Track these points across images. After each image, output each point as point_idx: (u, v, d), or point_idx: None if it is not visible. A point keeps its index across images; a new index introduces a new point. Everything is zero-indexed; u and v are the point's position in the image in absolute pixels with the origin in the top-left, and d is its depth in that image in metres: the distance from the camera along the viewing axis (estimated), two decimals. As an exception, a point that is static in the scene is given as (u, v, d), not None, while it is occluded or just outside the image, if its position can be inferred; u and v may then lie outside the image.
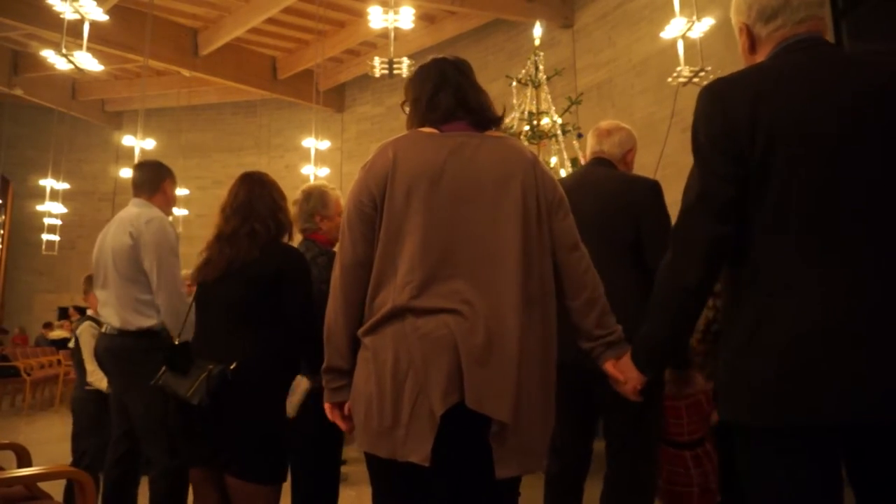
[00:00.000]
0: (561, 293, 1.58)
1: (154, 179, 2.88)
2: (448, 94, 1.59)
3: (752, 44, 1.41)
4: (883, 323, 1.17)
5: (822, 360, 1.18)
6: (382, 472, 1.49)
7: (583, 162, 5.41)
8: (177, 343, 2.11)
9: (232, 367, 1.91)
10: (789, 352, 1.20)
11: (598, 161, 2.35)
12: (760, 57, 1.39)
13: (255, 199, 2.15)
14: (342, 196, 2.50)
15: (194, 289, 2.22)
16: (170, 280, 2.64)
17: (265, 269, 2.04)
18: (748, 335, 1.27)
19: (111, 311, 2.70)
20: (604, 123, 2.43)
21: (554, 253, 1.56)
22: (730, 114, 1.28)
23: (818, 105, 1.23)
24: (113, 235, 2.75)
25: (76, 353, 3.70)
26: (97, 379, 3.33)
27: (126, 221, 2.72)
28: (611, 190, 2.20)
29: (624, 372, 1.56)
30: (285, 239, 2.22)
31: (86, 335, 3.54)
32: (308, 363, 2.18)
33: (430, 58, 1.69)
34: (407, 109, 1.67)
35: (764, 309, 1.25)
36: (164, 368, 2.05)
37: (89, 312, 3.80)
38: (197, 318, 2.19)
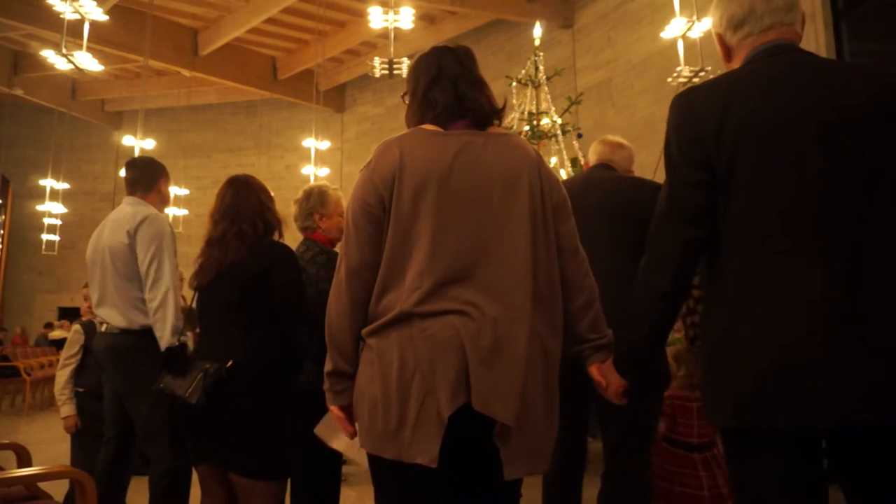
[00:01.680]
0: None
1: (149, 178, 2.86)
2: (444, 89, 1.55)
3: (727, 52, 1.46)
4: (858, 323, 1.17)
5: (799, 362, 1.18)
6: (387, 473, 1.47)
7: (583, 162, 5.44)
8: (174, 345, 2.14)
9: (228, 365, 1.94)
10: (764, 354, 1.21)
11: (602, 166, 2.39)
12: (735, 65, 1.43)
13: (241, 202, 2.18)
14: (344, 197, 2.50)
15: (184, 285, 2.26)
16: (165, 279, 2.62)
17: (254, 267, 2.07)
18: (723, 338, 1.28)
19: (112, 310, 2.69)
20: (613, 137, 2.48)
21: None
22: (698, 122, 1.31)
23: (786, 109, 1.26)
24: (109, 235, 2.74)
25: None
26: (57, 380, 3.39)
27: (122, 220, 2.71)
28: (617, 190, 2.23)
29: (606, 376, 1.57)
30: (275, 237, 2.24)
31: (70, 338, 3.55)
32: (309, 358, 2.17)
33: (430, 47, 1.65)
34: (407, 100, 1.64)
35: (738, 311, 1.26)
36: (163, 372, 2.08)
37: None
38: (199, 321, 2.22)
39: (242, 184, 2.25)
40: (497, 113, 1.60)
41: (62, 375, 3.38)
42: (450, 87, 1.55)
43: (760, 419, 1.22)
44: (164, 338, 2.53)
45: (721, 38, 1.46)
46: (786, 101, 1.26)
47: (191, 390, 1.92)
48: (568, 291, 1.56)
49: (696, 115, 1.32)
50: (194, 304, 2.25)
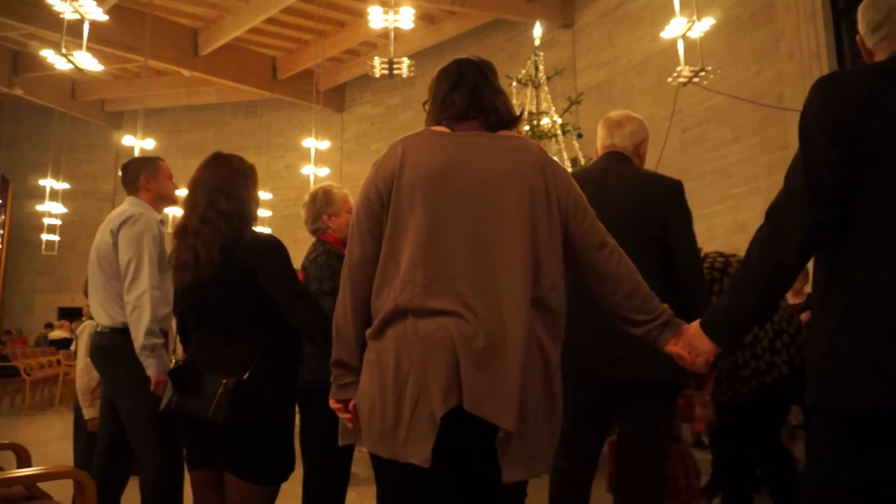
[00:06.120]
0: (599, 293, 1.58)
1: (132, 177, 2.81)
2: (463, 93, 1.58)
3: (869, 55, 1.50)
4: None
5: None
6: (386, 472, 1.49)
7: (582, 162, 5.44)
8: (179, 363, 2.01)
9: (245, 376, 1.86)
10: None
11: (612, 156, 2.28)
12: None
13: (197, 189, 2.06)
14: (350, 195, 2.48)
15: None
16: (142, 280, 2.56)
17: (239, 269, 1.94)
18: (851, 321, 1.29)
19: (99, 309, 2.69)
20: (614, 114, 2.37)
21: (580, 256, 1.56)
22: (844, 102, 1.32)
23: None
24: (99, 234, 2.75)
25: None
26: (77, 376, 3.37)
27: (110, 220, 2.71)
28: (634, 189, 2.16)
29: (694, 346, 1.54)
30: (254, 218, 2.12)
31: (83, 334, 3.55)
32: (313, 342, 2.06)
33: (454, 58, 1.67)
34: (427, 108, 1.66)
35: (873, 292, 1.27)
36: (172, 393, 1.96)
37: None
38: (193, 324, 2.10)
39: (198, 172, 2.07)
40: (514, 119, 1.62)
41: (81, 374, 3.35)
42: (468, 91, 1.58)
43: (878, 401, 1.23)
44: (138, 339, 2.48)
45: (863, 41, 1.50)
46: None
47: (213, 409, 1.82)
48: (606, 286, 1.57)
49: (845, 96, 1.32)
50: None
